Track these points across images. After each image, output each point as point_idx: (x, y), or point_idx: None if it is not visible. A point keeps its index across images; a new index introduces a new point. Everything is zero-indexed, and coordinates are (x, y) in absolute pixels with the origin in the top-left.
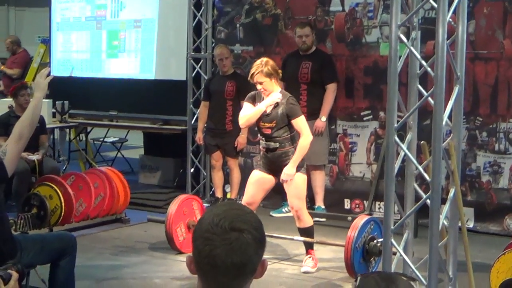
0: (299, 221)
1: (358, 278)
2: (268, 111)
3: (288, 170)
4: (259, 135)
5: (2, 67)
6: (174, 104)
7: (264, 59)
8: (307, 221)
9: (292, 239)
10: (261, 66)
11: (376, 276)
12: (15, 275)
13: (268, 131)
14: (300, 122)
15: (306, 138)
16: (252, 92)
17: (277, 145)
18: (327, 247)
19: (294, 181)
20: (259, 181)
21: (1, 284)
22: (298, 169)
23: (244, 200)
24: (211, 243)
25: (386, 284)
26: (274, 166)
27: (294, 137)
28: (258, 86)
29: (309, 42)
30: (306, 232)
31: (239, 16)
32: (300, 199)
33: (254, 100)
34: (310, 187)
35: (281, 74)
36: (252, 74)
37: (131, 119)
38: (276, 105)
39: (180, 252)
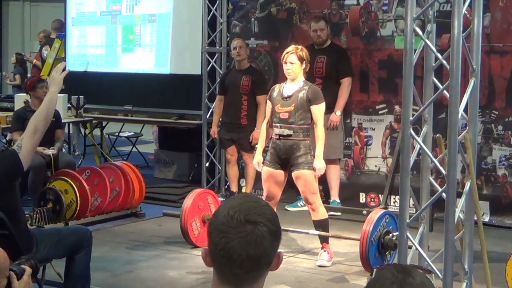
0: (314, 214)
1: (374, 271)
2: (288, 94)
3: (319, 165)
4: (274, 122)
5: (34, 60)
6: (189, 98)
7: (301, 46)
8: (322, 213)
9: (308, 233)
10: (296, 49)
11: (392, 268)
12: (28, 270)
13: (286, 116)
14: (321, 110)
15: (321, 129)
16: (272, 87)
17: (291, 132)
18: (342, 241)
19: (304, 178)
20: (270, 177)
21: (15, 279)
22: (305, 166)
23: (264, 197)
24: (226, 235)
25: (403, 276)
26: (283, 158)
27: (309, 130)
28: (287, 66)
29: (324, 36)
30: (321, 224)
31: (254, 10)
32: (314, 193)
33: (270, 97)
34: (325, 181)
35: (306, 70)
36: (287, 52)
37: (146, 114)
38: (298, 91)
39: (195, 246)
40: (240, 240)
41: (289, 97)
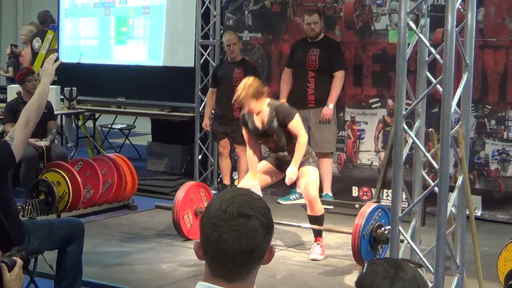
0: (312, 209)
1: (365, 265)
2: (262, 128)
3: (292, 170)
4: (266, 149)
5: (23, 52)
6: (182, 91)
7: (248, 81)
8: (320, 209)
9: (300, 226)
10: (245, 90)
11: (384, 263)
12: (19, 262)
13: (273, 145)
14: (297, 124)
15: (303, 138)
16: (241, 115)
17: (286, 153)
18: (334, 234)
19: (309, 175)
20: (268, 170)
21: (6, 271)
22: (312, 163)
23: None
24: (219, 229)
25: (394, 270)
26: (284, 166)
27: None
28: (246, 109)
29: (317, 29)
30: (316, 220)
31: (248, 3)
32: (315, 189)
33: (246, 124)
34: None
35: (265, 91)
36: (238, 99)
37: (139, 106)
38: (270, 121)
39: (188, 239)
40: (232, 233)
41: (265, 130)
